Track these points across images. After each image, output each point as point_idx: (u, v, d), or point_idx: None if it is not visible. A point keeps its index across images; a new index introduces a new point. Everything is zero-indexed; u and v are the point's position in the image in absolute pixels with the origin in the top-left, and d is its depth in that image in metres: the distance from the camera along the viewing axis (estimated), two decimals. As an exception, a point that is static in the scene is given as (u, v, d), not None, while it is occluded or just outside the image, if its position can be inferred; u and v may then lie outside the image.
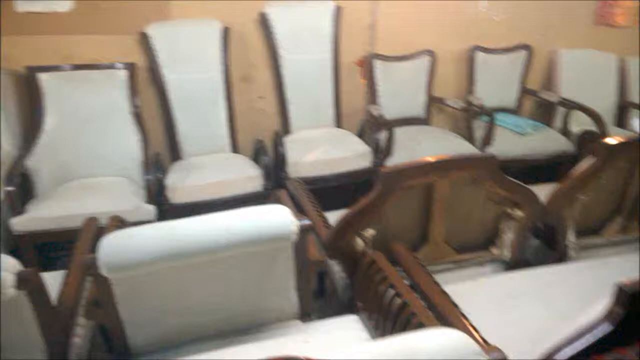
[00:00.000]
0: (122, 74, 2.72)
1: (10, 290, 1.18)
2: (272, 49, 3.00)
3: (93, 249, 1.37)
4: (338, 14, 3.04)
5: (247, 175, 2.69)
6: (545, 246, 2.06)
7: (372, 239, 1.64)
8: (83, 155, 2.68)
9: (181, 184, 2.58)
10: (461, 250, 1.82)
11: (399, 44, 3.27)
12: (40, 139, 2.57)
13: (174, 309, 1.42)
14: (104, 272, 1.24)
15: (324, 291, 1.98)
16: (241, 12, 2.92)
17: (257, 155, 2.89)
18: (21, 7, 2.62)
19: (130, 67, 2.73)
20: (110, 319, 1.38)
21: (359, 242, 1.64)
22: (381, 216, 1.63)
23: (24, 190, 2.40)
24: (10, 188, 2.27)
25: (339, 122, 3.21)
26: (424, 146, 2.95)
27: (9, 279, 1.17)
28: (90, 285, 1.51)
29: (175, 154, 2.92)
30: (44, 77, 2.62)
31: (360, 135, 3.19)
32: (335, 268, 1.82)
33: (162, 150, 2.91)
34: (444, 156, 1.67)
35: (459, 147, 3.00)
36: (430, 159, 1.64)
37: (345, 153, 2.87)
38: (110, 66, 2.71)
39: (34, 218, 2.30)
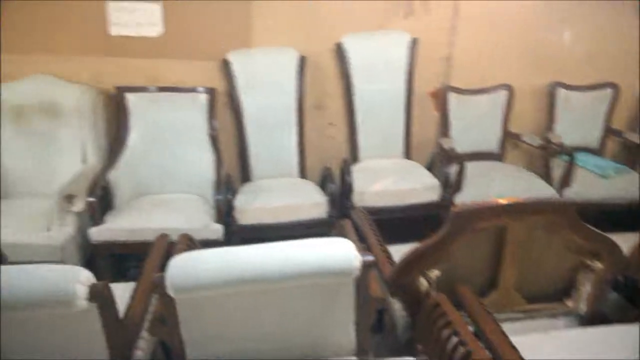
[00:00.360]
0: (203, 98, 2.84)
1: (82, 302, 1.23)
2: (346, 78, 3.03)
3: (162, 265, 1.42)
4: (414, 45, 3.03)
5: (313, 201, 2.70)
6: (626, 302, 1.90)
7: (437, 280, 1.59)
8: (161, 171, 2.81)
9: (249, 206, 2.64)
10: (532, 300, 1.71)
11: (475, 77, 3.19)
12: (123, 154, 2.73)
13: (234, 333, 1.44)
14: (170, 292, 1.28)
15: (382, 327, 1.93)
16: (318, 42, 2.99)
17: (323, 182, 2.90)
18: (114, 31, 2.82)
19: (211, 92, 2.85)
20: (172, 337, 1.41)
21: (423, 282, 1.59)
22: (448, 257, 1.58)
23: (104, 202, 2.54)
24: (91, 199, 2.41)
25: (408, 154, 3.17)
26: (496, 183, 2.85)
27: (82, 291, 1.23)
28: (156, 302, 1.56)
29: (245, 175, 3.00)
30: (131, 97, 2.79)
31: (430, 168, 3.12)
32: (396, 305, 1.77)
33: (233, 171, 2.99)
34: (519, 199, 1.60)
35: (533, 186, 2.87)
36: (503, 201, 1.57)
37: (413, 185, 2.82)
38: (193, 90, 2.85)
39: (111, 229, 2.43)
